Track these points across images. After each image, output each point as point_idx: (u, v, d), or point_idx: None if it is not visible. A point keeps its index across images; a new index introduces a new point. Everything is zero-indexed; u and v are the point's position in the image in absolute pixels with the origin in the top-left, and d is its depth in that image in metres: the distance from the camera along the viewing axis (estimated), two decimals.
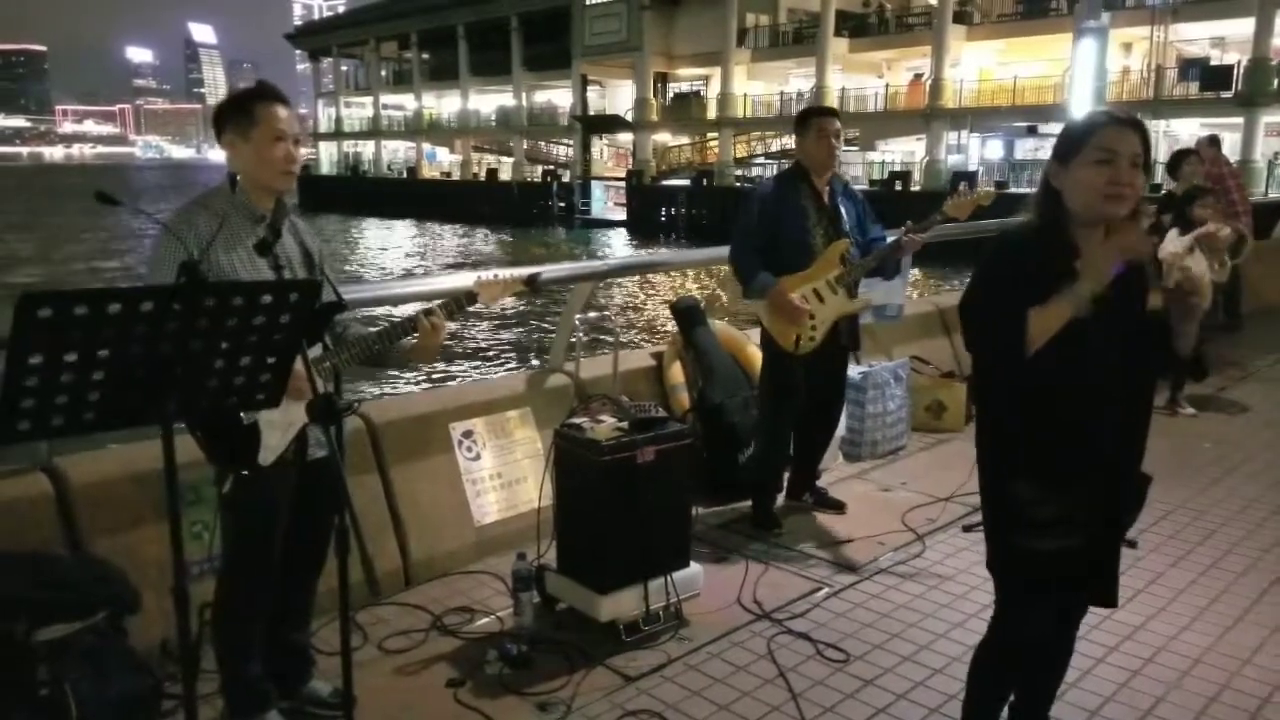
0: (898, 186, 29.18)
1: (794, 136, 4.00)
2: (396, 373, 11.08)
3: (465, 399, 4.04)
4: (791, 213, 3.90)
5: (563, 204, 40.41)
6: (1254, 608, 3.41)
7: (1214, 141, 7.45)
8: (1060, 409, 2.06)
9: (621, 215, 37.55)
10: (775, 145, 35.33)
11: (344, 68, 58.20)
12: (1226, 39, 27.49)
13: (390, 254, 30.84)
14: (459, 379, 12.18)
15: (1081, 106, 5.72)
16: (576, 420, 3.31)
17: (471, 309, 2.69)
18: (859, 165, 34.12)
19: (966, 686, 2.40)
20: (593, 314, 4.23)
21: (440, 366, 12.97)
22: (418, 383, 11.48)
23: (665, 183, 37.57)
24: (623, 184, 38.91)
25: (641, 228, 35.03)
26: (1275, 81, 24.95)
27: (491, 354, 14.40)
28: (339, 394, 2.18)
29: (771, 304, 3.87)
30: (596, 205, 39.97)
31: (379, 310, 4.63)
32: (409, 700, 2.85)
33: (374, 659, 3.07)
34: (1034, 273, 2.02)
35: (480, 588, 3.57)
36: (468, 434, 3.90)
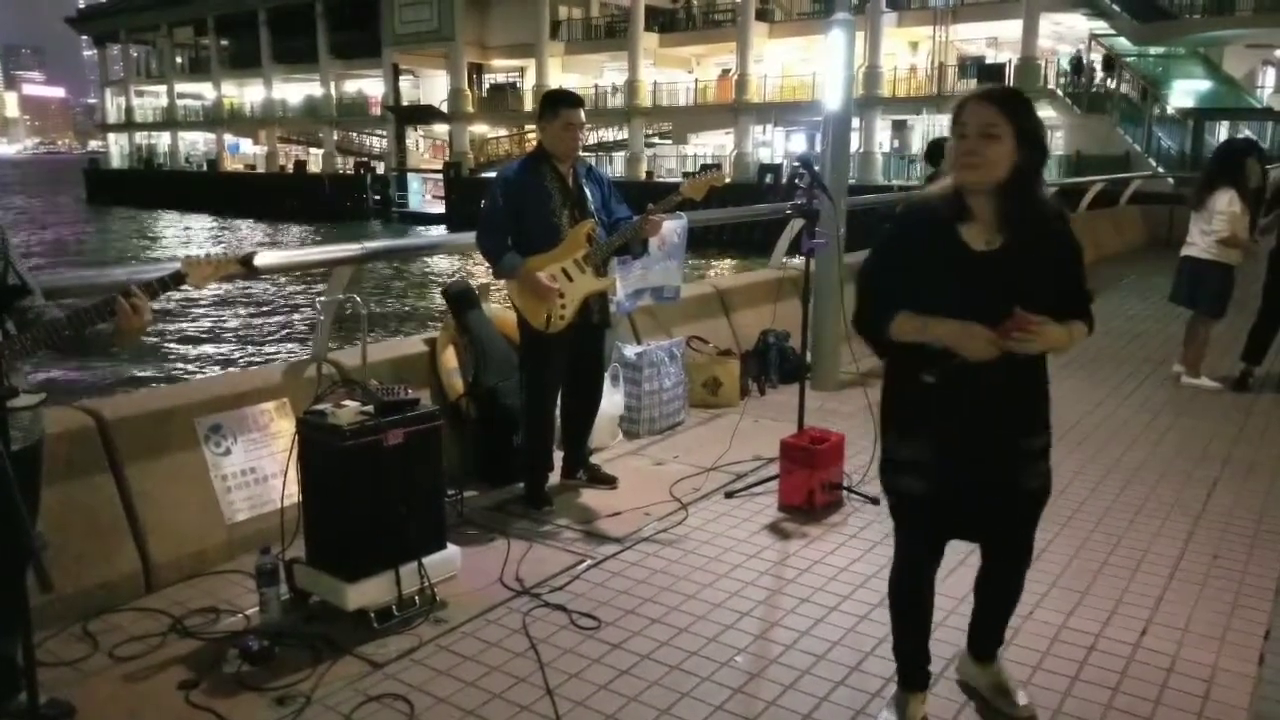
0: None
1: (537, 120, 4.04)
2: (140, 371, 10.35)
3: (212, 392, 3.84)
4: (536, 195, 3.95)
5: (378, 197, 39.11)
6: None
7: None
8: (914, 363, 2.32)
9: (441, 208, 36.74)
10: (592, 138, 35.57)
11: (134, 54, 54.01)
12: (999, 39, 29.97)
13: (185, 250, 28.84)
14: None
15: (834, 99, 6.02)
16: (319, 407, 3.22)
17: (181, 291, 2.56)
18: (673, 158, 34.94)
19: None
20: (340, 297, 4.10)
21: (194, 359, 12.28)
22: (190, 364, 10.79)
23: (485, 175, 37.08)
24: (440, 176, 38.09)
25: (462, 220, 34.43)
26: (1040, 78, 27.39)
27: (267, 345, 13.75)
28: (3, 381, 2.02)
29: (521, 283, 3.91)
30: (414, 198, 38.93)
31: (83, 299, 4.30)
32: (136, 706, 2.69)
33: (103, 667, 2.89)
34: (924, 236, 2.33)
35: (230, 587, 3.41)
36: (216, 428, 3.71)
